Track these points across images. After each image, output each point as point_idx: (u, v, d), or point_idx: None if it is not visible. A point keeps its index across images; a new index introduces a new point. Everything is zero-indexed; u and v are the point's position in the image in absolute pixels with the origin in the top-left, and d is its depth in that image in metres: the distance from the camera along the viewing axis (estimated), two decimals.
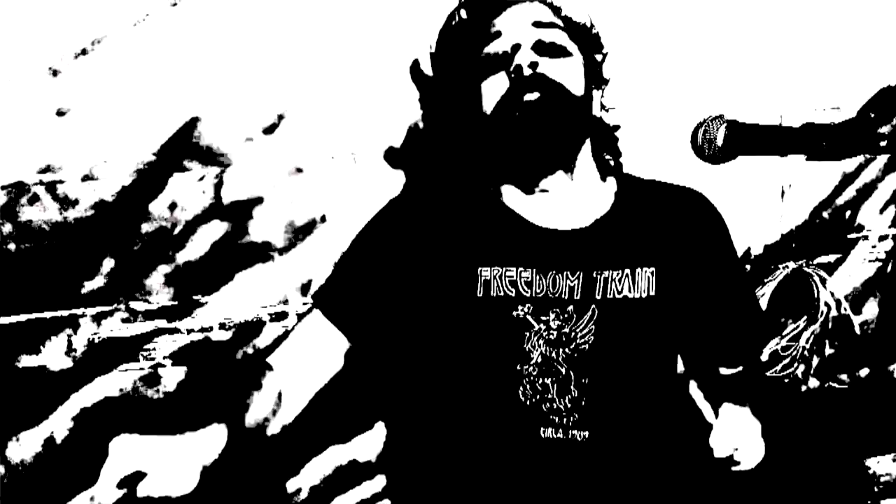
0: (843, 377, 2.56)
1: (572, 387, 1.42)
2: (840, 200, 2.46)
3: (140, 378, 1.99)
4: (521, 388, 1.42)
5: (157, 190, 1.91)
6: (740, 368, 1.66)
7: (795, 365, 2.50)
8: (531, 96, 1.42)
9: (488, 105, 1.49)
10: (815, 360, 2.51)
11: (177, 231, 1.95)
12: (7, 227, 1.83)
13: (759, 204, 2.38)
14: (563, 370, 1.42)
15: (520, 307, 1.44)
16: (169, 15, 1.86)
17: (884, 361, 2.60)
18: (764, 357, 2.52)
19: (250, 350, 2.05)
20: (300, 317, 2.06)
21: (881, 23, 2.16)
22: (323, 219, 2.03)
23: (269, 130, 1.96)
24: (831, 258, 2.50)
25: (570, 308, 1.44)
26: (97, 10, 1.80)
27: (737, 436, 1.46)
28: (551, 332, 1.43)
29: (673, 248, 1.53)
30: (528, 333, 1.43)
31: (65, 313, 1.92)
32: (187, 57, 1.88)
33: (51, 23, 1.78)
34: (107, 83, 1.84)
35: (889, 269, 2.55)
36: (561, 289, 1.45)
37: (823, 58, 2.16)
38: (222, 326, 2.02)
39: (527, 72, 1.42)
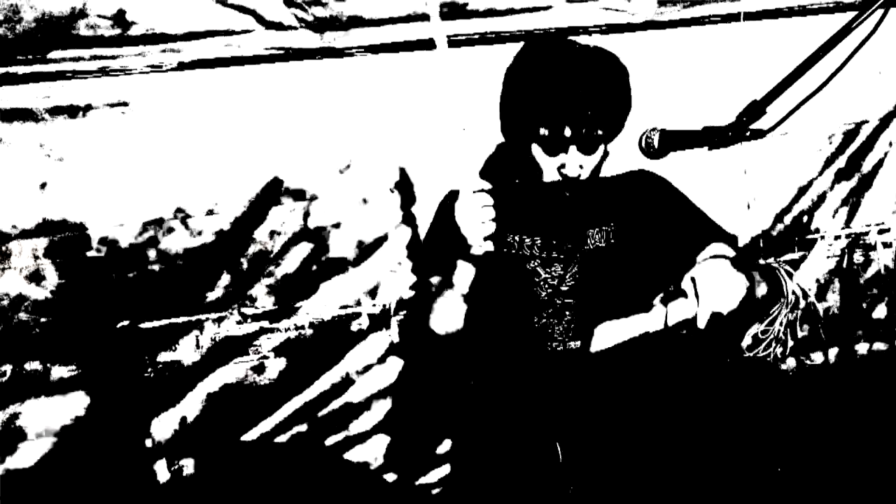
0: (816, 357, 3.07)
1: (566, 311, 1.96)
2: (797, 209, 3.02)
3: (250, 368, 2.55)
4: (534, 316, 1.96)
5: (260, 220, 2.50)
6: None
7: (773, 346, 3.01)
8: (566, 192, 1.89)
9: (538, 171, 1.91)
10: (791, 343, 3.02)
11: (275, 251, 2.53)
12: (152, 253, 2.42)
13: (730, 214, 2.93)
14: (560, 301, 1.97)
15: (532, 262, 1.99)
16: (268, 93, 2.47)
17: (849, 342, 3.12)
18: (746, 341, 3.04)
19: (334, 344, 2.61)
20: (370, 316, 2.63)
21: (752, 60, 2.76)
22: (385, 237, 2.61)
23: (342, 172, 2.55)
24: (796, 256, 3.04)
25: (564, 260, 1.98)
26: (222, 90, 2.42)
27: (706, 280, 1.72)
28: (553, 278, 1.98)
29: (629, 209, 2.03)
30: (536, 279, 1.98)
31: (193, 318, 2.49)
32: (279, 124, 2.48)
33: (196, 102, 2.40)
34: (220, 143, 2.45)
35: (845, 262, 3.09)
36: (560, 248, 1.99)
37: (713, 87, 2.75)
38: (312, 325, 2.59)
39: (571, 172, 1.86)
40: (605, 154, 1.98)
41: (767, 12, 2.86)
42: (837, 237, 3.08)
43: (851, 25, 1.70)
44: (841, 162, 3.02)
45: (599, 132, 1.88)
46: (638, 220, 2.04)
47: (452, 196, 2.15)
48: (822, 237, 3.06)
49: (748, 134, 1.61)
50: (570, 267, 2.00)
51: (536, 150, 1.90)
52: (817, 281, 3.07)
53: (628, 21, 2.74)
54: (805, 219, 3.04)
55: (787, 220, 3.02)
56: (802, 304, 3.05)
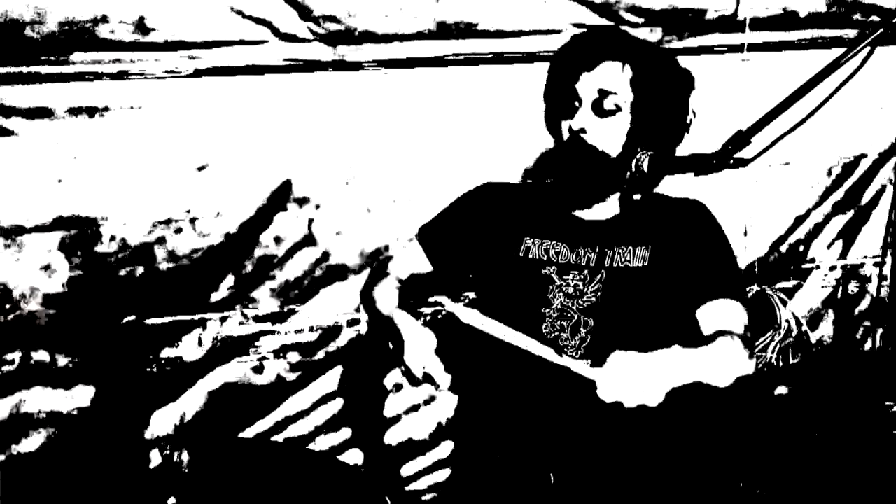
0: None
1: (581, 328, 1.88)
2: (793, 238, 3.08)
3: (250, 368, 2.63)
4: (544, 326, 1.88)
5: (266, 225, 2.58)
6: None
7: (765, 373, 3.07)
8: (573, 158, 1.84)
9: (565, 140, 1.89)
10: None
11: (279, 256, 2.61)
12: (160, 252, 2.51)
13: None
14: (576, 316, 1.88)
15: (548, 268, 1.92)
16: (280, 102, 2.55)
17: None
18: None
19: (332, 348, 2.69)
20: (369, 323, 2.70)
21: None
22: (386, 248, 2.69)
23: (348, 182, 2.63)
24: (790, 284, 3.09)
25: (586, 272, 1.90)
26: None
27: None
28: (569, 287, 1.90)
29: (667, 234, 1.94)
30: (551, 287, 1.90)
31: (196, 317, 2.57)
32: (289, 133, 2.56)
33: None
34: (231, 149, 2.54)
35: (840, 293, 3.14)
36: (581, 258, 1.92)
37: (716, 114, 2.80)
38: (311, 329, 2.66)
39: (577, 125, 1.82)
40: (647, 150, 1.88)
41: (772, 44, 2.92)
42: (833, 268, 3.13)
43: (840, 61, 1.76)
44: (839, 194, 3.08)
45: (618, 96, 1.85)
46: (676, 246, 1.95)
47: (486, 188, 2.09)
48: (818, 267, 3.12)
49: (731, 162, 1.68)
50: (593, 283, 1.92)
51: (564, 123, 1.90)
52: (811, 310, 3.13)
53: None
54: (801, 248, 3.10)
55: (783, 248, 3.07)
56: (795, 332, 3.10)
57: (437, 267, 2.10)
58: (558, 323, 1.89)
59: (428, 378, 1.79)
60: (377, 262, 2.36)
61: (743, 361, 1.81)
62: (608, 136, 1.87)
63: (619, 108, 1.86)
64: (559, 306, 1.90)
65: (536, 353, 1.71)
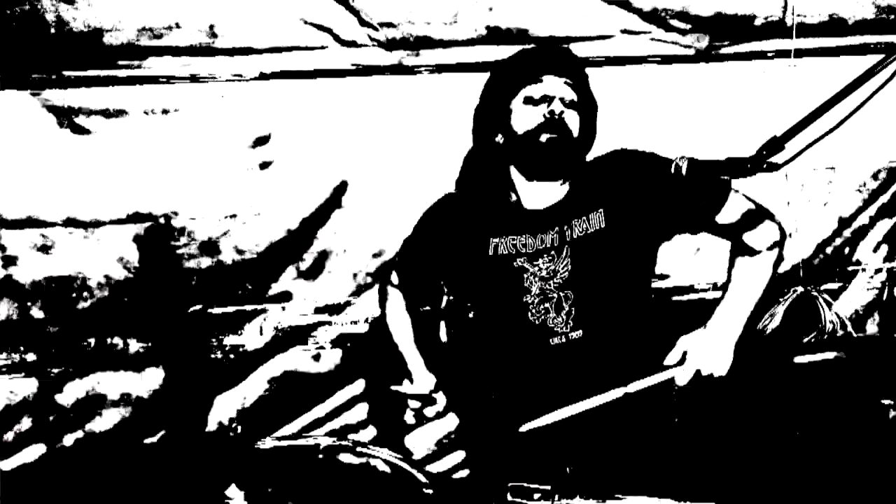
0: None
1: (564, 304, 2.01)
2: (839, 240, 3.12)
3: (308, 356, 2.76)
4: (529, 314, 2.03)
5: (324, 221, 2.71)
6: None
7: None
8: (553, 135, 2.00)
9: (521, 128, 2.04)
10: None
11: (336, 250, 2.74)
12: (225, 245, 2.66)
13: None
14: (556, 295, 2.02)
15: (519, 259, 2.05)
16: (339, 104, 2.69)
17: None
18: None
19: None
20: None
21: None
22: None
23: (402, 180, 2.75)
24: (835, 286, 3.13)
25: (553, 252, 2.04)
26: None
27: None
28: (542, 271, 2.04)
29: (615, 191, 2.06)
30: (526, 275, 2.04)
31: (258, 307, 2.72)
32: (347, 133, 2.70)
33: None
34: (293, 148, 2.68)
35: (885, 296, 3.17)
36: (546, 242, 2.05)
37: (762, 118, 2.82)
38: (366, 321, 2.79)
39: (556, 115, 2.00)
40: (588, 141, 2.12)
41: (820, 50, 2.96)
42: (878, 270, 3.16)
43: (874, 70, 1.82)
44: (885, 198, 3.11)
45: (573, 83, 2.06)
46: (630, 200, 2.05)
47: (437, 208, 2.25)
48: (863, 269, 3.15)
49: (765, 166, 1.75)
50: (561, 259, 2.04)
51: (520, 108, 2.05)
52: (856, 312, 3.16)
53: (682, 53, 2.88)
54: (846, 250, 3.13)
55: (829, 250, 3.11)
56: (840, 333, 3.13)
57: (410, 294, 2.34)
58: (542, 306, 2.03)
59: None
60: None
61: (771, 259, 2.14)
62: (573, 121, 2.05)
63: (575, 106, 2.06)
64: (538, 291, 2.03)
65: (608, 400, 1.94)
